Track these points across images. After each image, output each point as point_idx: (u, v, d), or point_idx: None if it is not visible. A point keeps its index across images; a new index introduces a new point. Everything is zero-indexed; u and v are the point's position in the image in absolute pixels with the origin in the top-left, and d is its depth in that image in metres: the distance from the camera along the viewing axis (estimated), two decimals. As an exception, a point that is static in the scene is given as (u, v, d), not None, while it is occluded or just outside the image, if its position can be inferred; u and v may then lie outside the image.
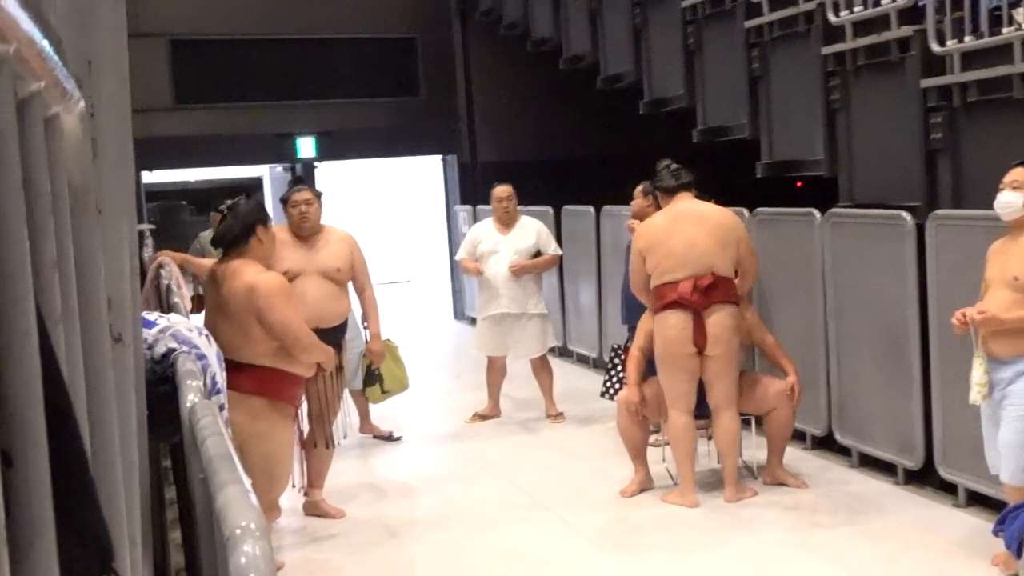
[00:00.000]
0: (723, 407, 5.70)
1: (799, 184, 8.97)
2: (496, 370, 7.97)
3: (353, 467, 6.82)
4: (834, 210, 6.39)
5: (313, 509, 5.85)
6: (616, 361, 6.69)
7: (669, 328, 5.61)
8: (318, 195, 5.78)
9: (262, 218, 4.67)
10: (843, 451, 6.39)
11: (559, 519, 5.66)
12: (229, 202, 4.72)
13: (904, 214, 5.70)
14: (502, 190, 7.81)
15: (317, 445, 5.66)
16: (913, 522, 5.30)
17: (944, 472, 5.53)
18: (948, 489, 5.58)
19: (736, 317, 5.66)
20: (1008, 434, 4.33)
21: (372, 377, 7.00)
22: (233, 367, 4.23)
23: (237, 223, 4.58)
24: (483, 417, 7.95)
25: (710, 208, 5.79)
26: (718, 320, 5.57)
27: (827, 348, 6.34)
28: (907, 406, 5.75)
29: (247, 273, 4.45)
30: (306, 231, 5.69)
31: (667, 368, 5.70)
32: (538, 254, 7.79)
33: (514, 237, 7.74)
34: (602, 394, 6.87)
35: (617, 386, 6.55)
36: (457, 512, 5.90)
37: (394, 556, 5.26)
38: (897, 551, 4.93)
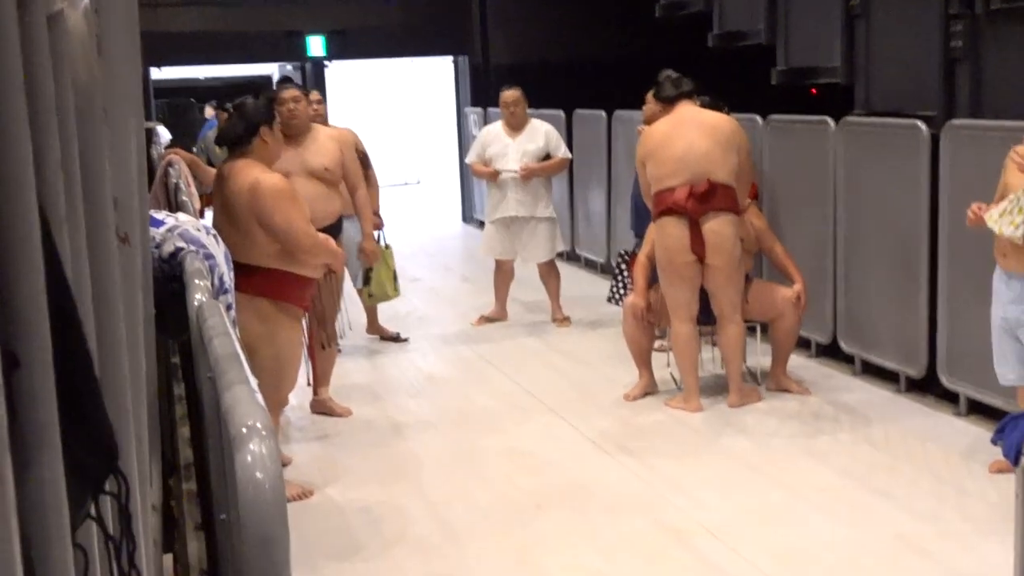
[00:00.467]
0: (727, 316, 5.72)
1: (814, 92, 8.84)
2: (503, 273, 7.99)
3: (360, 367, 6.88)
4: (849, 118, 6.32)
5: (320, 407, 5.94)
6: (623, 267, 6.70)
7: (666, 236, 5.61)
8: (306, 92, 5.74)
9: (268, 118, 4.60)
10: (847, 359, 6.42)
11: (564, 422, 5.73)
12: (237, 100, 4.69)
13: (919, 123, 5.64)
14: (510, 95, 7.73)
15: (323, 346, 5.72)
16: (914, 430, 5.35)
17: (946, 381, 5.57)
18: (949, 398, 5.62)
19: (735, 225, 5.63)
20: None
21: (367, 279, 7.06)
22: (240, 269, 4.22)
23: (242, 122, 4.52)
24: (489, 320, 8.00)
25: (711, 115, 5.74)
26: (715, 228, 5.53)
27: (835, 257, 6.33)
28: (913, 316, 5.76)
29: (249, 174, 4.40)
30: (294, 130, 5.61)
31: (667, 276, 5.70)
32: (547, 157, 7.74)
33: (523, 140, 7.69)
34: (609, 299, 6.90)
35: (623, 292, 6.57)
36: (463, 413, 5.97)
37: (400, 454, 5.34)
38: (898, 458, 4.99)
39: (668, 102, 5.79)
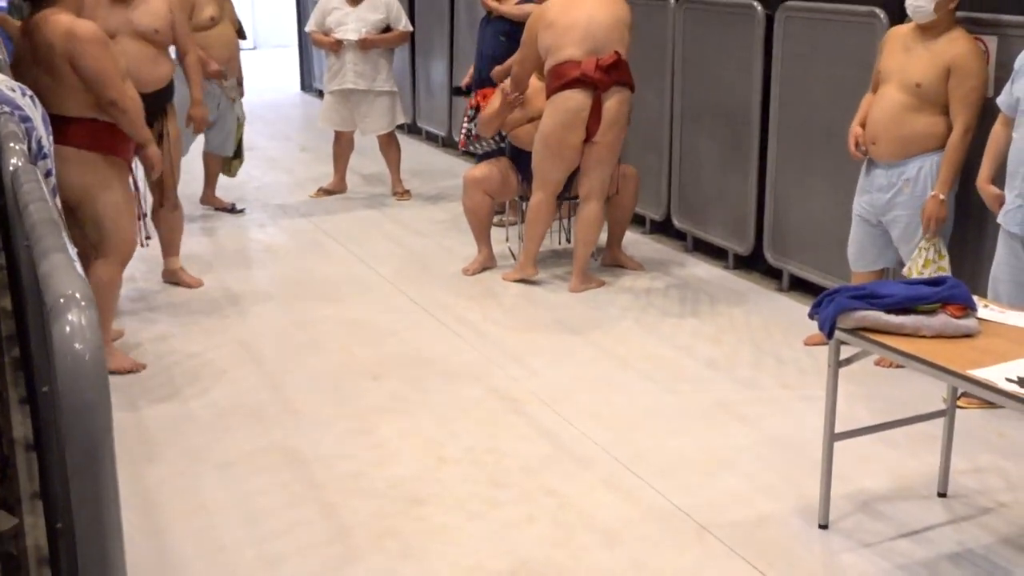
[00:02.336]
0: (594, 196, 5.70)
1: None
2: (343, 144, 7.86)
3: (195, 238, 6.71)
4: (688, -4, 6.36)
5: (171, 277, 5.83)
6: (471, 113, 6.56)
7: (566, 111, 5.49)
8: None
9: None
10: (680, 236, 6.62)
11: (402, 293, 5.74)
12: None
13: (755, 3, 5.72)
14: None
15: (162, 206, 5.58)
16: (738, 304, 5.59)
17: (771, 258, 5.81)
18: (773, 274, 5.88)
19: (630, 103, 5.63)
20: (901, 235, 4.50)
21: (240, 150, 7.14)
22: (62, 121, 4.24)
23: None
24: (328, 192, 7.89)
25: None
26: (615, 104, 5.50)
27: (671, 134, 6.45)
28: (742, 194, 5.95)
29: (63, 19, 4.32)
30: None
31: (549, 153, 5.62)
32: (388, 29, 7.57)
33: (363, 9, 7.48)
34: (467, 147, 6.70)
35: (476, 140, 6.39)
36: (300, 284, 5.92)
37: (236, 325, 5.27)
38: (721, 330, 5.21)
39: None
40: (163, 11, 5.43)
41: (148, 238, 5.13)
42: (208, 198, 7.40)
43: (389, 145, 7.83)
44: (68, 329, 1.33)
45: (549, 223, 5.91)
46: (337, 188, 7.91)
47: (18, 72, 4.40)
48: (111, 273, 4.59)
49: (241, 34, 7.25)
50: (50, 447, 2.14)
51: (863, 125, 4.55)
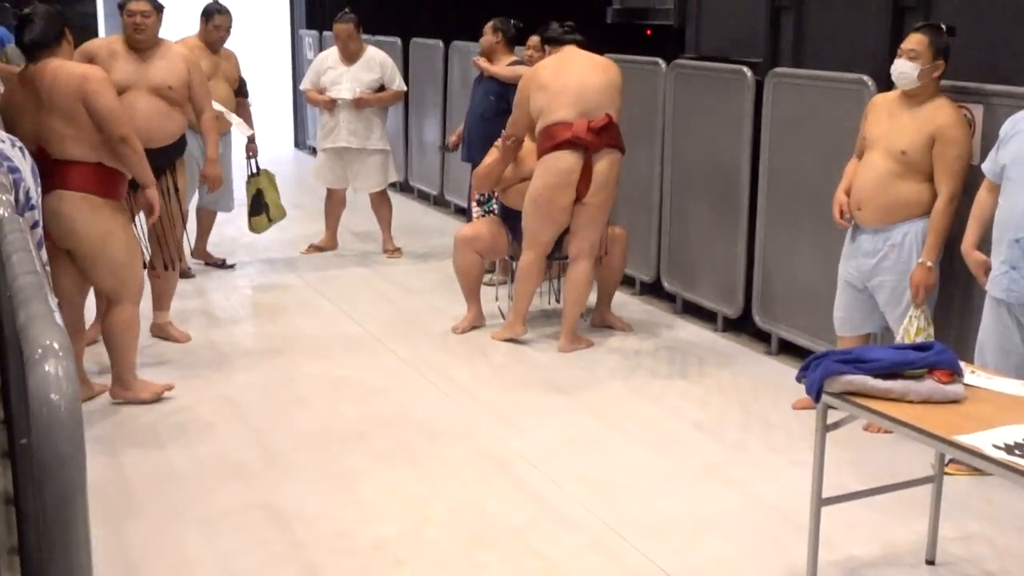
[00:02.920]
0: (584, 256, 5.71)
1: (648, 32, 8.98)
2: (335, 202, 7.88)
3: (185, 292, 6.69)
4: (679, 61, 6.45)
5: (159, 331, 5.82)
6: (480, 197, 6.64)
7: (557, 172, 5.51)
8: (158, 8, 5.51)
9: (65, 18, 4.72)
10: (669, 298, 6.63)
11: (390, 351, 5.73)
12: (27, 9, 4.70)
13: (745, 69, 5.80)
14: (341, 29, 7.54)
15: (157, 267, 5.58)
16: (727, 366, 5.58)
17: (760, 321, 5.81)
18: (762, 337, 5.88)
19: (619, 165, 5.66)
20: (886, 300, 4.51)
21: (259, 207, 7.27)
22: (69, 166, 4.46)
23: (45, 23, 4.58)
24: (319, 249, 7.90)
25: (598, 56, 5.71)
26: (605, 166, 5.53)
27: (661, 197, 6.49)
28: (732, 257, 5.97)
29: (71, 66, 4.56)
30: (140, 44, 5.45)
31: (540, 214, 5.63)
32: (382, 88, 7.63)
33: (358, 69, 7.55)
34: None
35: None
36: (289, 341, 5.90)
37: (222, 381, 5.24)
38: (710, 392, 5.19)
39: (555, 43, 5.73)
40: (180, 69, 5.49)
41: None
42: (200, 252, 7.40)
43: (381, 203, 7.86)
44: (45, 379, 1.32)
45: (539, 282, 5.92)
46: (328, 245, 7.93)
47: (14, 120, 4.46)
48: (131, 313, 4.79)
49: (242, 91, 7.26)
50: (28, 500, 2.12)
51: (848, 192, 4.58)
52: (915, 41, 4.31)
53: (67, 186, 4.48)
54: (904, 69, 4.31)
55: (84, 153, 4.53)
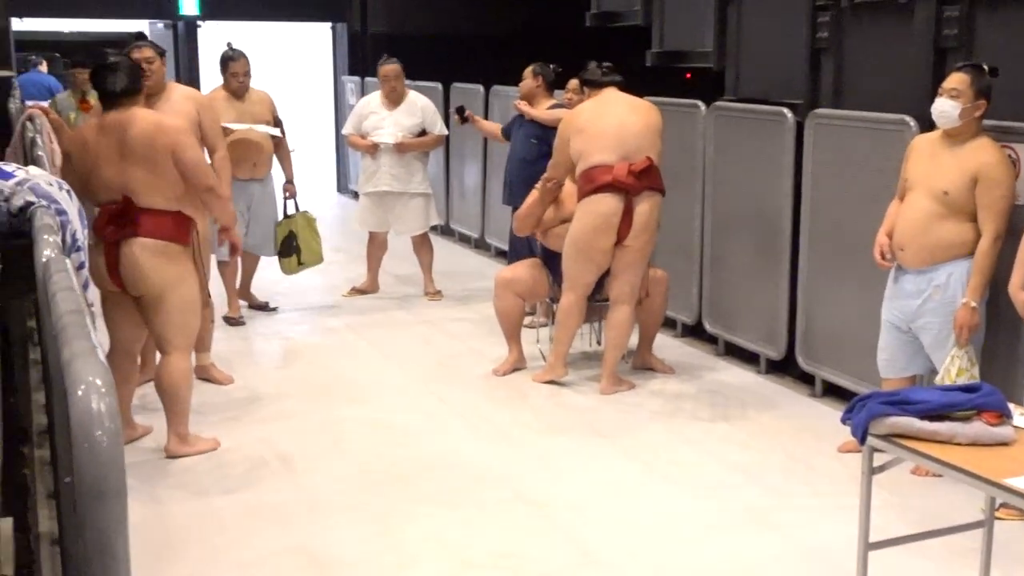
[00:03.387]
0: (625, 298, 5.70)
1: (688, 76, 9.01)
2: (376, 245, 7.93)
3: (227, 334, 6.74)
4: (718, 103, 6.45)
5: (202, 373, 5.84)
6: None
7: (598, 215, 5.51)
8: (161, 52, 5.63)
9: (141, 68, 4.94)
10: (711, 340, 6.58)
11: (431, 394, 5.72)
12: (111, 58, 4.75)
13: (785, 111, 5.79)
14: (390, 69, 7.64)
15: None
16: (770, 409, 5.51)
17: (803, 363, 5.75)
18: (806, 380, 5.81)
19: (660, 207, 5.66)
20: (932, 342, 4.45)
21: (289, 248, 7.19)
22: (150, 214, 4.54)
23: (129, 73, 4.67)
24: (361, 292, 7.93)
25: (638, 99, 5.73)
26: (645, 209, 5.53)
27: (702, 239, 6.46)
28: (774, 298, 5.93)
29: (156, 116, 4.68)
30: (148, 89, 5.49)
31: (580, 257, 5.63)
32: (423, 133, 7.69)
33: (400, 114, 7.62)
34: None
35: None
36: (330, 383, 5.91)
37: (262, 424, 5.26)
38: (752, 435, 5.13)
39: (594, 86, 5.73)
40: (187, 109, 5.58)
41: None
42: (243, 295, 7.44)
43: (422, 246, 7.89)
44: (87, 415, 1.32)
45: (579, 324, 5.90)
46: (370, 288, 7.96)
47: (91, 168, 4.57)
48: (187, 363, 4.83)
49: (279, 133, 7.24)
50: (70, 540, 2.12)
51: (890, 235, 4.54)
52: (956, 80, 4.29)
53: (149, 234, 4.54)
54: (945, 108, 4.28)
55: (166, 202, 4.61)
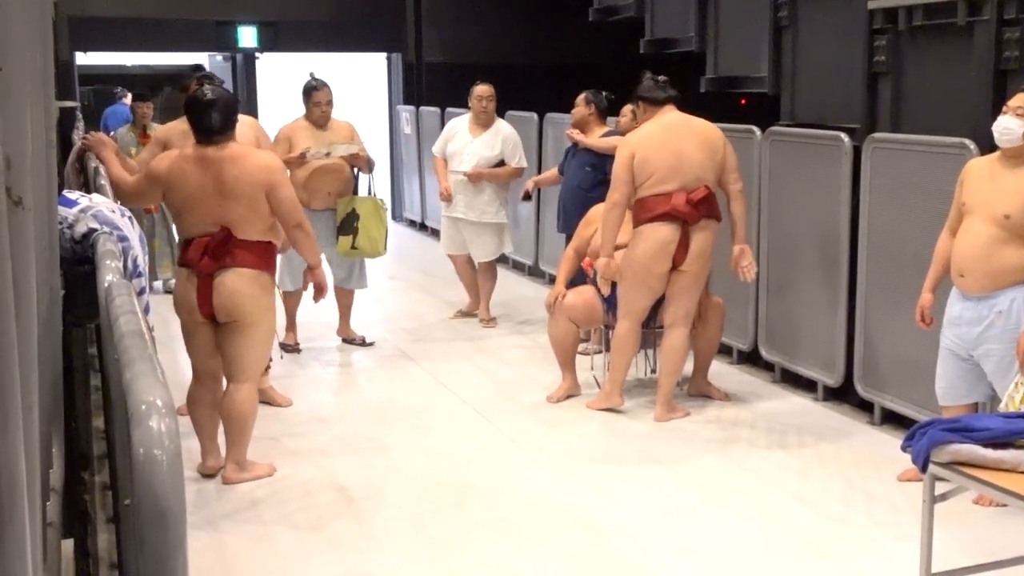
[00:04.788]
0: (679, 324, 5.66)
1: (744, 102, 8.97)
2: (460, 266, 8.00)
3: (284, 359, 6.79)
4: (774, 128, 6.41)
5: (261, 395, 5.83)
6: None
7: (655, 242, 5.49)
8: (221, 84, 5.71)
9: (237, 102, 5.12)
10: (767, 367, 6.51)
11: (486, 421, 5.72)
12: (208, 92, 4.77)
13: (842, 135, 5.73)
14: (483, 89, 7.68)
15: None
16: (828, 437, 5.44)
17: (862, 391, 5.67)
18: (865, 407, 5.72)
19: (717, 234, 5.62)
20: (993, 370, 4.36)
21: (349, 227, 6.93)
22: (247, 245, 4.65)
23: (226, 109, 4.74)
24: (466, 314, 7.99)
25: (700, 121, 5.65)
26: (702, 237, 5.51)
27: (758, 264, 6.40)
28: (831, 325, 5.86)
29: (256, 154, 4.86)
30: None
31: (637, 283, 5.61)
32: (502, 163, 7.71)
33: (480, 143, 7.64)
34: None
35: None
36: (386, 409, 5.93)
37: (317, 449, 5.28)
38: (810, 464, 5.06)
39: (652, 103, 5.66)
40: (246, 135, 5.61)
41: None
42: (342, 330, 7.38)
43: (486, 273, 7.91)
44: (148, 435, 1.34)
45: (635, 351, 5.87)
46: (472, 308, 7.98)
47: (188, 202, 4.67)
48: (256, 392, 4.90)
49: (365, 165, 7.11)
50: (130, 562, 2.14)
51: (933, 289, 4.46)
52: (1022, 99, 4.22)
53: (247, 264, 4.64)
54: (1010, 125, 4.21)
55: (261, 234, 4.73)
